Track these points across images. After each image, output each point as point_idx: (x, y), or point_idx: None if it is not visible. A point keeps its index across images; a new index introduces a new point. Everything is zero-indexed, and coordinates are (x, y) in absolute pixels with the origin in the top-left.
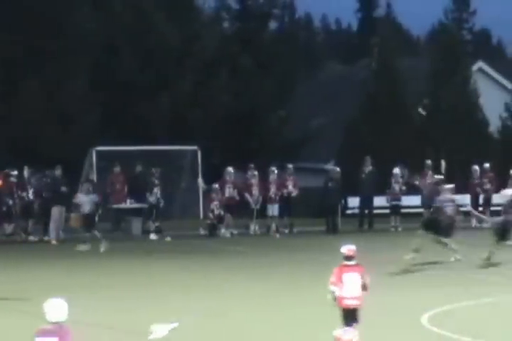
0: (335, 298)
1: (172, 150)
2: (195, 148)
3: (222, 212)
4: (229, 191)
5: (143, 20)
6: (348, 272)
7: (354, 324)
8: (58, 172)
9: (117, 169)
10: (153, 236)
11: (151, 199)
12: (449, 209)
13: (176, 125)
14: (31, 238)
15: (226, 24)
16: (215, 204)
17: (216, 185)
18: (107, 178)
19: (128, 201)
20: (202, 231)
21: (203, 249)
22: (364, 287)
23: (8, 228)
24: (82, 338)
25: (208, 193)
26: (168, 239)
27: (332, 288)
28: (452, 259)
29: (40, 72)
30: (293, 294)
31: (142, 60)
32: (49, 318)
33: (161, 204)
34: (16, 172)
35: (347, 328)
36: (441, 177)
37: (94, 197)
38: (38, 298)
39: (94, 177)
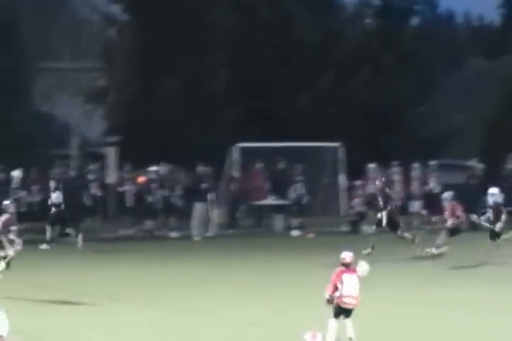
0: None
1: (314, 147)
2: (337, 144)
3: (364, 209)
4: (371, 188)
5: (281, 17)
6: (348, 273)
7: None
8: (201, 169)
9: (259, 165)
10: (295, 233)
11: (293, 195)
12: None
13: (316, 122)
14: (173, 234)
15: (368, 20)
16: (357, 201)
17: (359, 182)
18: (249, 175)
19: (270, 197)
20: (344, 228)
21: (344, 245)
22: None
23: (149, 224)
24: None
25: (350, 190)
26: (311, 235)
27: (328, 295)
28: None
29: (180, 70)
30: (424, 291)
31: (281, 57)
32: None
33: (303, 201)
34: (156, 169)
35: (317, 333)
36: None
37: None
38: (186, 293)
39: (236, 174)
